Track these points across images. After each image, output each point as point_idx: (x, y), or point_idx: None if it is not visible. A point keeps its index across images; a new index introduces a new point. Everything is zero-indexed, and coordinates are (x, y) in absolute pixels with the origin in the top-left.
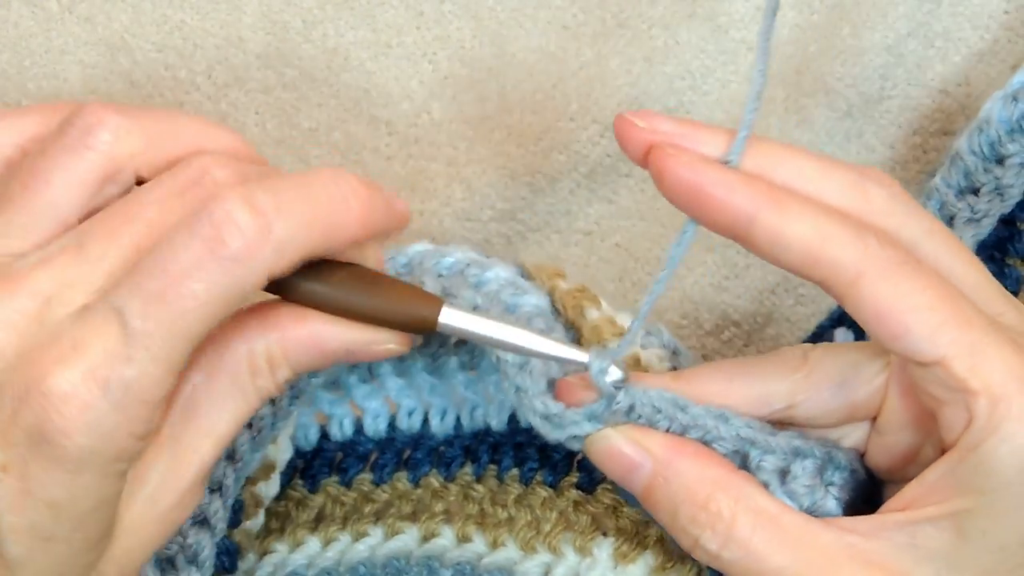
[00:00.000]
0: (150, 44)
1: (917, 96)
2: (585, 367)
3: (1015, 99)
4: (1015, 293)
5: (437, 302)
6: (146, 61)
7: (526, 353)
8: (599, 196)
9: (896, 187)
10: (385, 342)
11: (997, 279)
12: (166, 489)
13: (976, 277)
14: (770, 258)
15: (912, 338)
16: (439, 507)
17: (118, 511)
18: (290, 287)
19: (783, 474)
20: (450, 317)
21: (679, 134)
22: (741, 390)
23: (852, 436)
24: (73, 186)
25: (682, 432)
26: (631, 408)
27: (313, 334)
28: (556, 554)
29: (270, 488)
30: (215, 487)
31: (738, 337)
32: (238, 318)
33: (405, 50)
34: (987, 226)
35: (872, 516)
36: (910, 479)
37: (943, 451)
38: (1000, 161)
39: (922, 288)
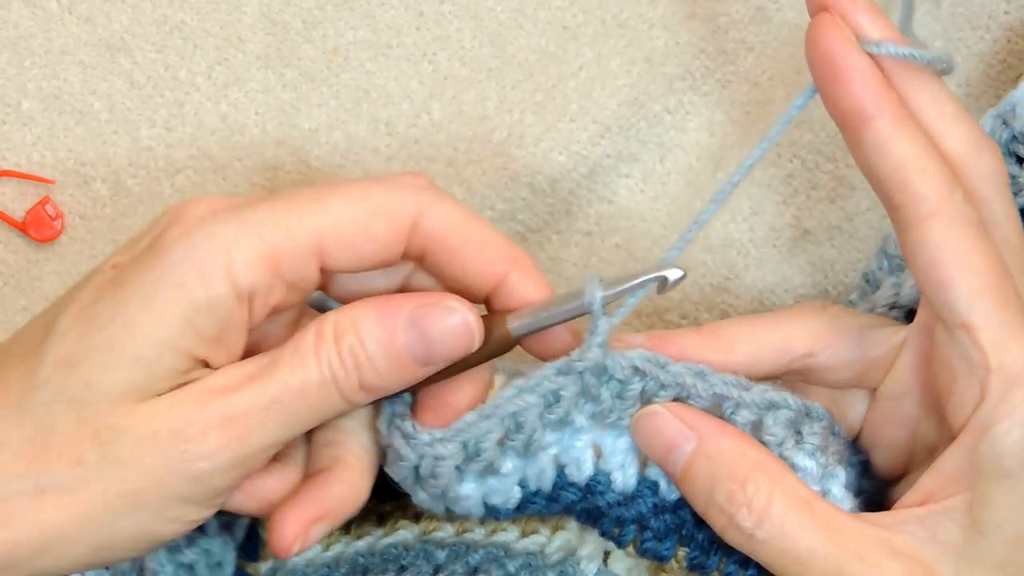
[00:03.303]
0: (150, 44)
1: None
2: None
3: (1005, 123)
4: None
5: (502, 320)
6: (146, 61)
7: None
8: (599, 196)
9: (1003, 168)
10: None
11: None
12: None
13: None
14: (864, 163)
15: (952, 293)
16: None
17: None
18: None
19: (756, 427)
20: (518, 323)
21: (859, 9)
22: (764, 334)
23: (852, 410)
24: None
25: (660, 389)
26: (604, 370)
27: None
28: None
29: None
30: None
31: None
32: None
33: (405, 50)
34: None
35: (892, 511)
36: (897, 454)
37: (950, 438)
38: None
39: (980, 252)
